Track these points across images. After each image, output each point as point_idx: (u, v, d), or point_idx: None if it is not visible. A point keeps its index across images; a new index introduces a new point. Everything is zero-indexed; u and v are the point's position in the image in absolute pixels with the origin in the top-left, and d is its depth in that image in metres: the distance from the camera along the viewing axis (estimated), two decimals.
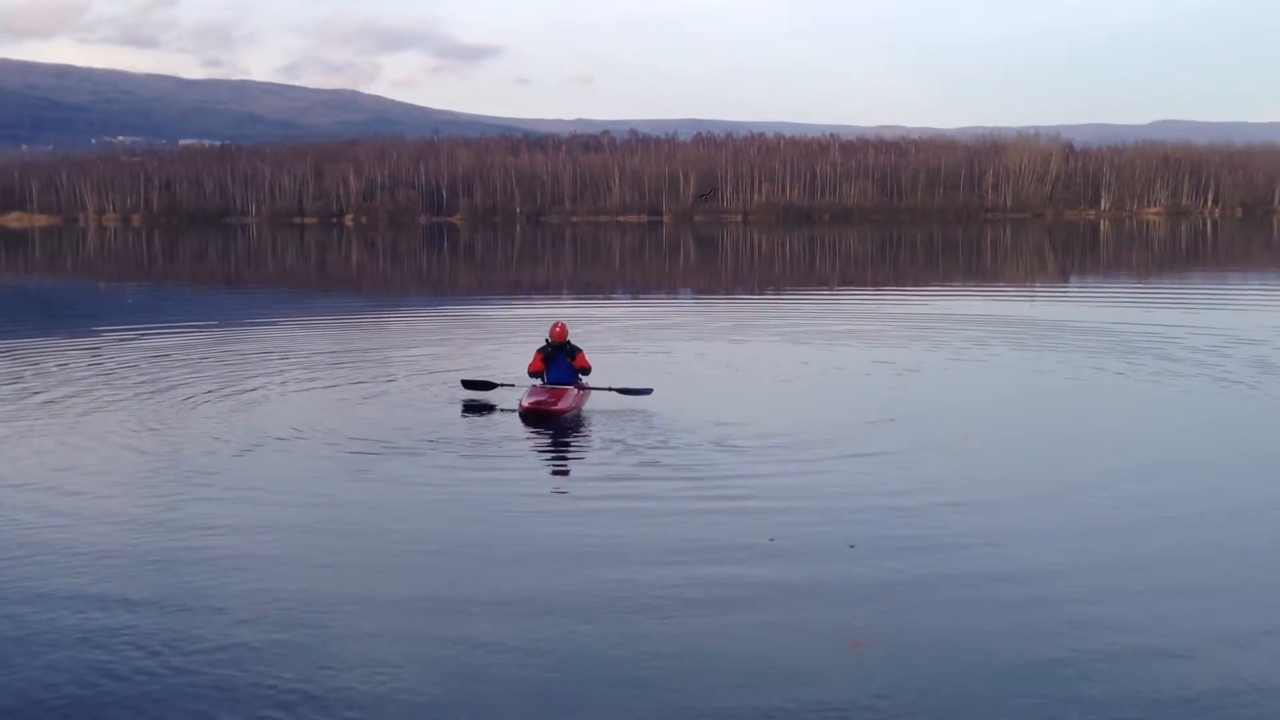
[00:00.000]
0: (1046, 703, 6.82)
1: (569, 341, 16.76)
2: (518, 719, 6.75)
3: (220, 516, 10.78)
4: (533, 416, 15.42)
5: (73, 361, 21.60)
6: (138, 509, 11.15)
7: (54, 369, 20.58)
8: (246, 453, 13.49)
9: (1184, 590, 8.81)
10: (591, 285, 49.56)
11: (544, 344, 16.80)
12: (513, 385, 16.89)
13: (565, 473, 13.31)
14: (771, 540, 9.86)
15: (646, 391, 16.43)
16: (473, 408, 16.60)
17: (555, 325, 17.03)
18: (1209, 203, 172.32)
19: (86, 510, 11.12)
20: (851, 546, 9.73)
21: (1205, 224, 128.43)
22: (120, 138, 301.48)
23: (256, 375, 19.69)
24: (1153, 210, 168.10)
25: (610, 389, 16.48)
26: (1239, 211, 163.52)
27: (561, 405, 15.62)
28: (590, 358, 17.05)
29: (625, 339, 24.95)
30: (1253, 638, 7.82)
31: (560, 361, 16.54)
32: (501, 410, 16.21)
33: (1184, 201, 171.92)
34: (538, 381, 16.46)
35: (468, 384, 17.53)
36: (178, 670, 7.30)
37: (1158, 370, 19.58)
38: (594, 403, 16.36)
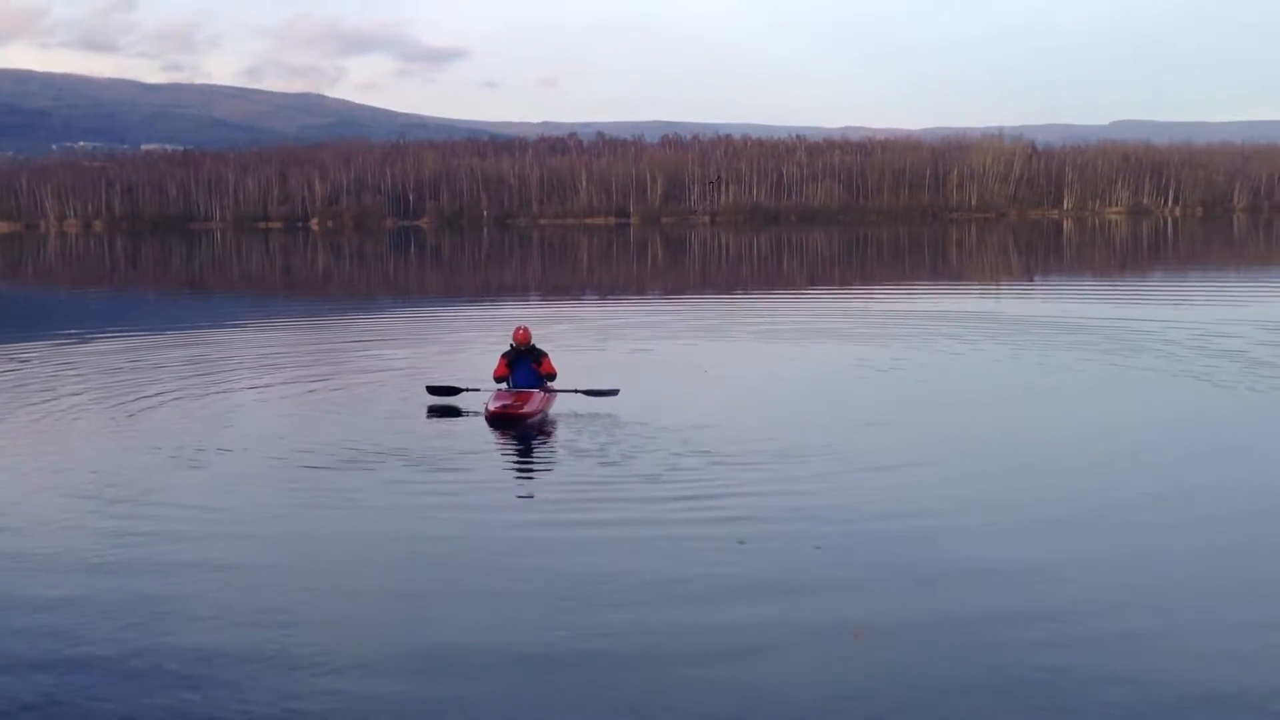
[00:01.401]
0: (1036, 703, 6.84)
1: (534, 346, 16.66)
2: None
3: (178, 530, 10.63)
4: (499, 421, 15.32)
5: (28, 368, 21.27)
6: (90, 520, 10.93)
7: (8, 375, 20.28)
8: (204, 463, 13.30)
9: (1176, 588, 8.85)
10: (560, 287, 49.44)
11: (508, 349, 16.69)
12: (478, 389, 16.79)
13: (532, 480, 13.16)
14: (741, 543, 9.83)
15: (613, 392, 16.35)
16: (438, 412, 16.49)
17: (518, 329, 16.87)
18: (1170, 202, 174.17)
19: (38, 518, 10.95)
20: (817, 548, 9.72)
21: (1166, 223, 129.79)
22: (82, 143, 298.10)
23: (216, 382, 19.50)
24: (1114, 209, 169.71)
25: (576, 391, 16.42)
26: (1199, 210, 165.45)
27: (528, 409, 15.51)
28: (558, 359, 17.00)
29: (594, 340, 24.90)
30: (1248, 636, 7.83)
31: (525, 366, 16.41)
32: (468, 414, 16.13)
33: (1145, 201, 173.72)
34: (503, 386, 16.35)
35: (433, 390, 17.39)
36: (140, 689, 7.20)
37: (1142, 365, 19.85)
38: (561, 406, 16.26)
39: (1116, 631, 7.87)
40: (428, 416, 16.24)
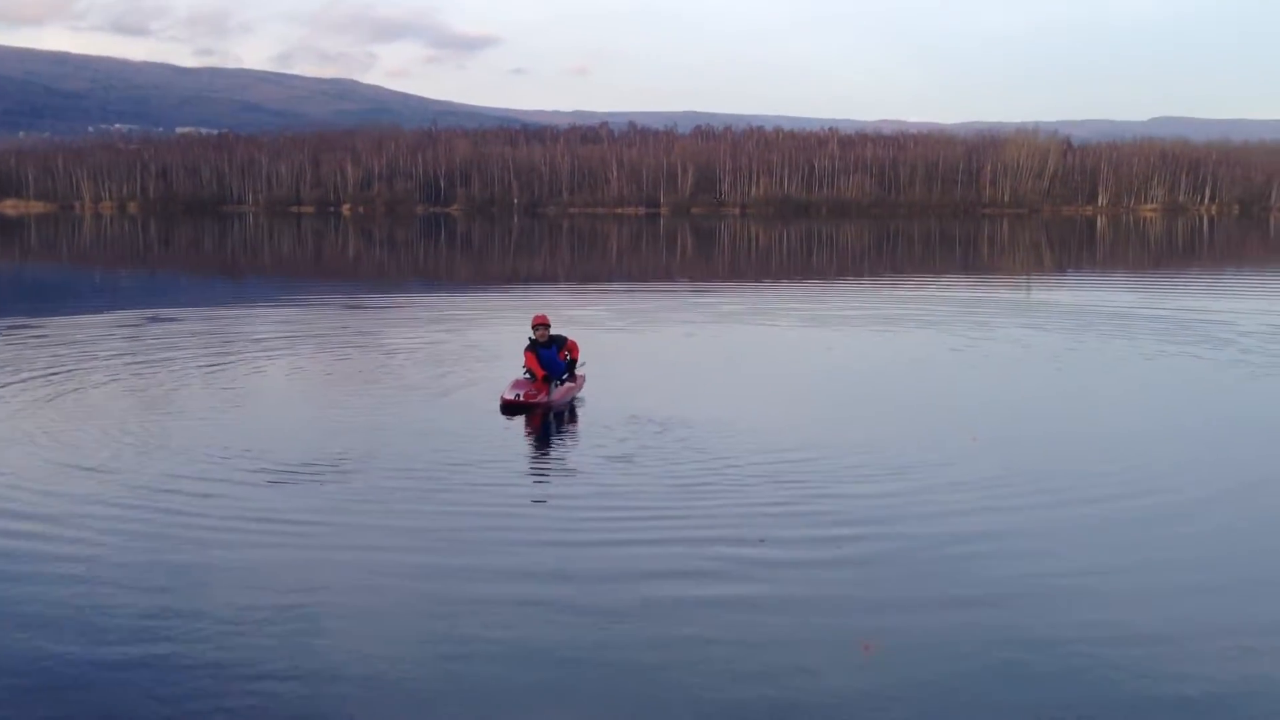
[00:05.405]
0: (1044, 705, 6.75)
1: (555, 334, 16.47)
2: (510, 715, 6.67)
3: (204, 512, 10.66)
4: (512, 409, 15.16)
5: (53, 342, 21.35)
6: (119, 494, 10.99)
7: (33, 349, 20.40)
8: (203, 446, 13.35)
9: (1196, 595, 8.65)
10: (589, 275, 49.34)
11: (529, 340, 16.40)
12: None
13: (548, 472, 12.84)
14: (761, 541, 9.69)
15: (578, 372, 16.56)
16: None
17: (534, 318, 16.64)
18: (1206, 200, 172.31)
19: (55, 490, 11.00)
20: (839, 548, 9.57)
21: (1202, 221, 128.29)
22: (117, 125, 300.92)
23: (233, 363, 19.56)
24: (1149, 207, 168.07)
25: (565, 380, 16.23)
26: (1236, 209, 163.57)
27: (542, 399, 15.36)
28: (583, 344, 16.91)
29: (621, 329, 24.80)
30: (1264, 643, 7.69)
31: (550, 356, 16.24)
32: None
33: (1181, 198, 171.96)
34: (527, 375, 16.18)
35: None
36: (168, 654, 7.26)
37: (1217, 358, 20.05)
38: (585, 396, 16.23)
39: (1138, 627, 7.81)
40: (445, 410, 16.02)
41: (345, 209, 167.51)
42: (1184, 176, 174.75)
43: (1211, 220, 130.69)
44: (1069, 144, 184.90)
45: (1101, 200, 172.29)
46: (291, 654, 7.33)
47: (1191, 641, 7.65)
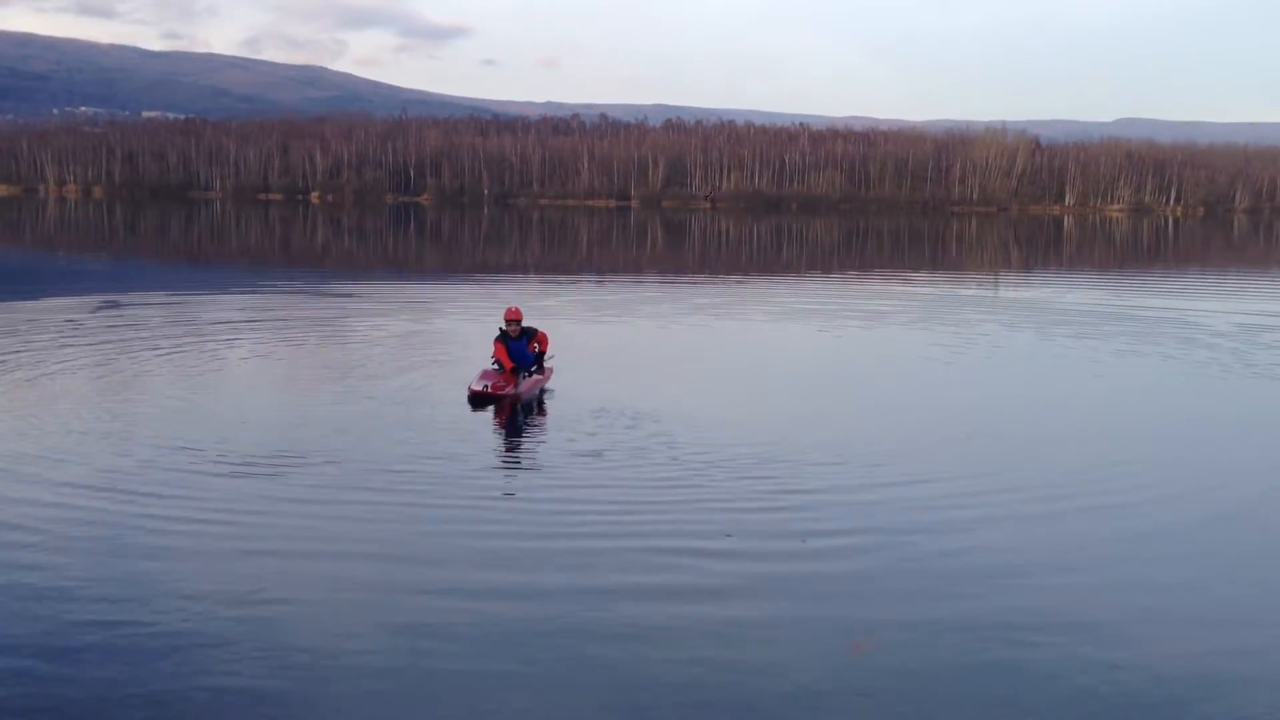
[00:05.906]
0: (1031, 704, 6.71)
1: (526, 327, 16.37)
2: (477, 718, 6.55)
3: (159, 507, 10.47)
4: (479, 400, 15.06)
5: (14, 330, 21.02)
6: (72, 487, 10.77)
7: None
8: (166, 442, 13.14)
9: (1185, 598, 8.66)
10: (559, 267, 49.15)
11: (500, 331, 16.33)
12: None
13: (516, 466, 12.74)
14: (728, 536, 9.62)
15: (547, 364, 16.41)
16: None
17: (507, 311, 16.52)
18: (1171, 201, 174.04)
19: (21, 483, 10.75)
20: (804, 541, 9.52)
21: (1167, 222, 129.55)
22: (83, 108, 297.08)
23: (195, 357, 19.29)
24: (1116, 207, 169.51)
25: (533, 372, 16.14)
26: (1200, 210, 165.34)
27: (510, 390, 15.27)
28: (554, 337, 16.79)
29: (588, 323, 24.68)
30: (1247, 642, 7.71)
31: (520, 349, 16.13)
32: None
33: (1147, 199, 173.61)
34: (495, 366, 16.07)
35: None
36: (118, 660, 7.08)
37: (1184, 357, 20.45)
38: (554, 388, 16.11)
39: (1119, 624, 7.80)
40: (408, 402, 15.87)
41: (314, 197, 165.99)
42: (1150, 177, 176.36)
43: (1176, 221, 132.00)
44: (1037, 143, 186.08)
45: (1068, 200, 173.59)
46: (249, 656, 7.18)
47: (1180, 648, 7.64)
